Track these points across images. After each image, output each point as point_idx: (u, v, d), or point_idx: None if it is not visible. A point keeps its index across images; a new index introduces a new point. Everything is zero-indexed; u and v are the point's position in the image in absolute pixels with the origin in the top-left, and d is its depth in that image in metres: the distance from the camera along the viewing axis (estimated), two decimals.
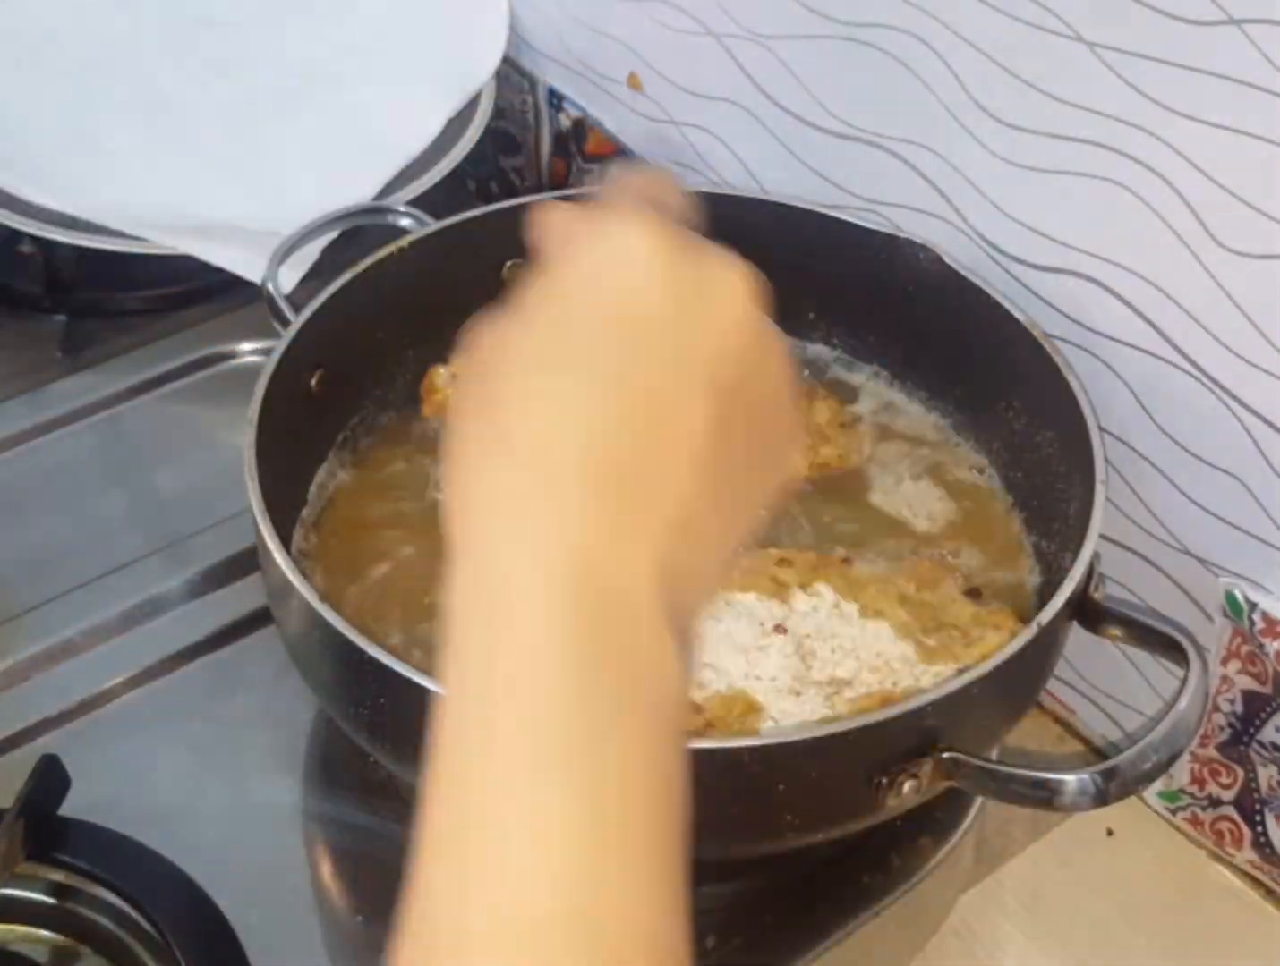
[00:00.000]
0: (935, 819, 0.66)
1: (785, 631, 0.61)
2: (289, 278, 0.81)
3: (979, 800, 0.67)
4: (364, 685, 0.58)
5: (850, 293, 0.77)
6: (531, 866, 0.34)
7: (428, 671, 0.56)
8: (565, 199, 0.48)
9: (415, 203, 0.83)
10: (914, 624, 0.62)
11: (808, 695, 0.59)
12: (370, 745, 0.61)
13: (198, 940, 0.61)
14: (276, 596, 0.63)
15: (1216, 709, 0.67)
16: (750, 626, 0.61)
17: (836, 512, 0.71)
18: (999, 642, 0.60)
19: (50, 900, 0.64)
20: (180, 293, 0.91)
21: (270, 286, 0.72)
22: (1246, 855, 0.69)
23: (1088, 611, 0.61)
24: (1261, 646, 0.64)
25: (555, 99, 0.97)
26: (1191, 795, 0.70)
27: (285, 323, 0.70)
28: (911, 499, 0.72)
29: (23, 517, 0.80)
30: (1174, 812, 0.71)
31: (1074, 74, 0.65)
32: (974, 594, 0.66)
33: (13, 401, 0.86)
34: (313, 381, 0.70)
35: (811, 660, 0.60)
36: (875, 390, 0.78)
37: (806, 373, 0.79)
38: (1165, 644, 0.61)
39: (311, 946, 0.66)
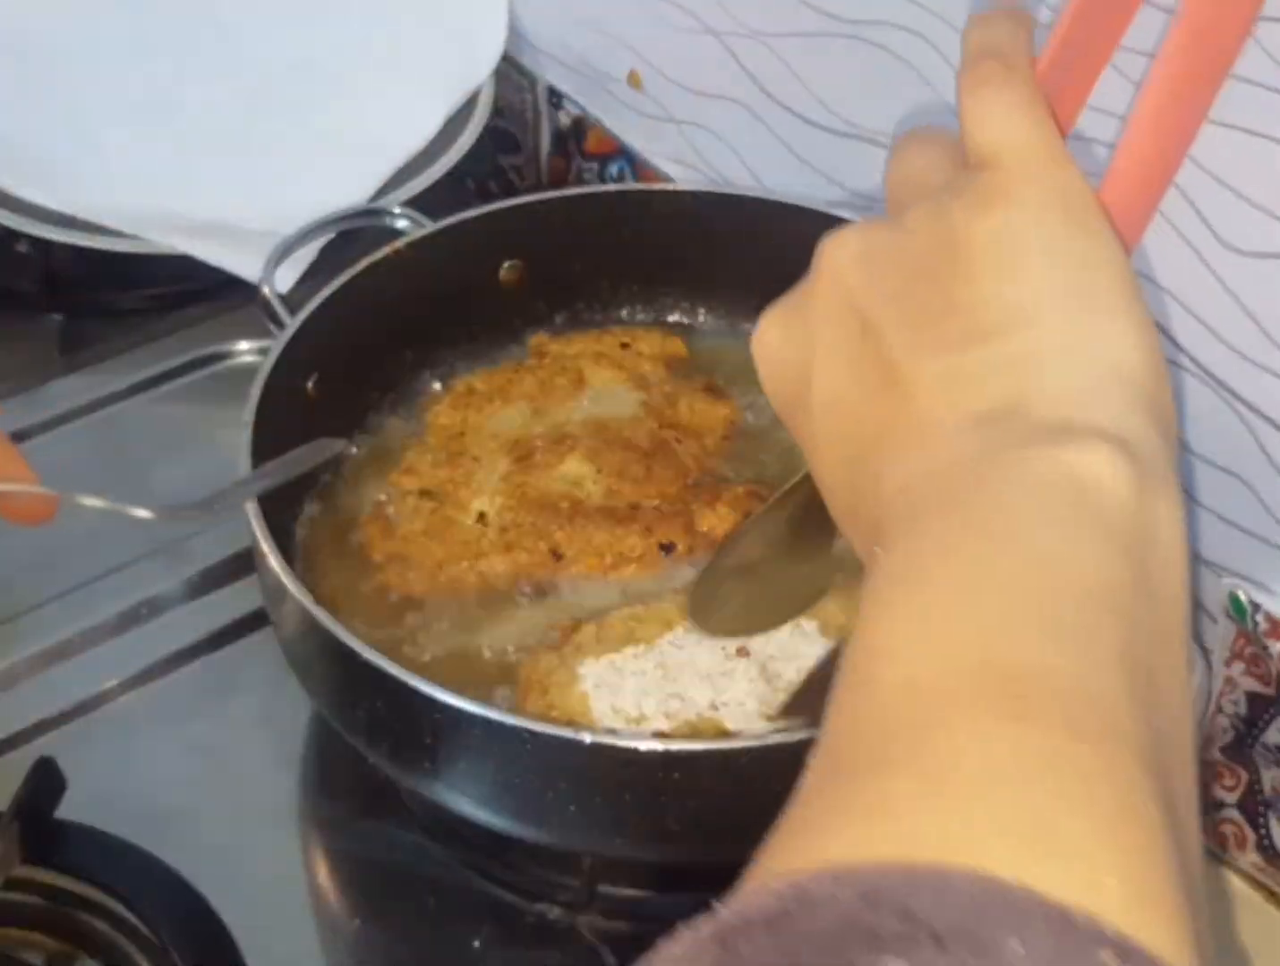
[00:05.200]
0: None
1: (748, 654, 0.61)
2: (285, 278, 0.80)
3: None
4: (360, 688, 0.58)
5: None
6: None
7: (423, 674, 0.56)
8: None
9: (414, 201, 0.83)
10: None
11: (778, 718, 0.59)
12: (367, 748, 0.61)
13: (194, 943, 0.61)
14: (272, 600, 0.63)
15: (1220, 711, 0.67)
16: (712, 651, 0.61)
17: None
18: None
19: (46, 904, 0.64)
20: (178, 292, 0.91)
21: (266, 289, 0.72)
22: (1250, 858, 0.68)
23: None
24: (1265, 648, 0.64)
25: (555, 97, 0.97)
26: None
27: (281, 325, 0.70)
28: None
29: None
30: None
31: None
32: None
33: (10, 401, 0.85)
34: (309, 384, 0.70)
35: (777, 682, 0.60)
36: None
37: None
38: None
39: (308, 949, 0.65)
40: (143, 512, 0.55)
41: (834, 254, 0.43)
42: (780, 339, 0.44)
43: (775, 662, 0.60)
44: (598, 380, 0.74)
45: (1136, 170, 0.41)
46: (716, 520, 0.67)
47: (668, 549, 0.66)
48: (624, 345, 0.76)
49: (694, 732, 0.58)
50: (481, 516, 0.68)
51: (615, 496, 0.68)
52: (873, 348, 0.40)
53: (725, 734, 0.58)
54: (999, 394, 0.38)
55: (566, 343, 0.76)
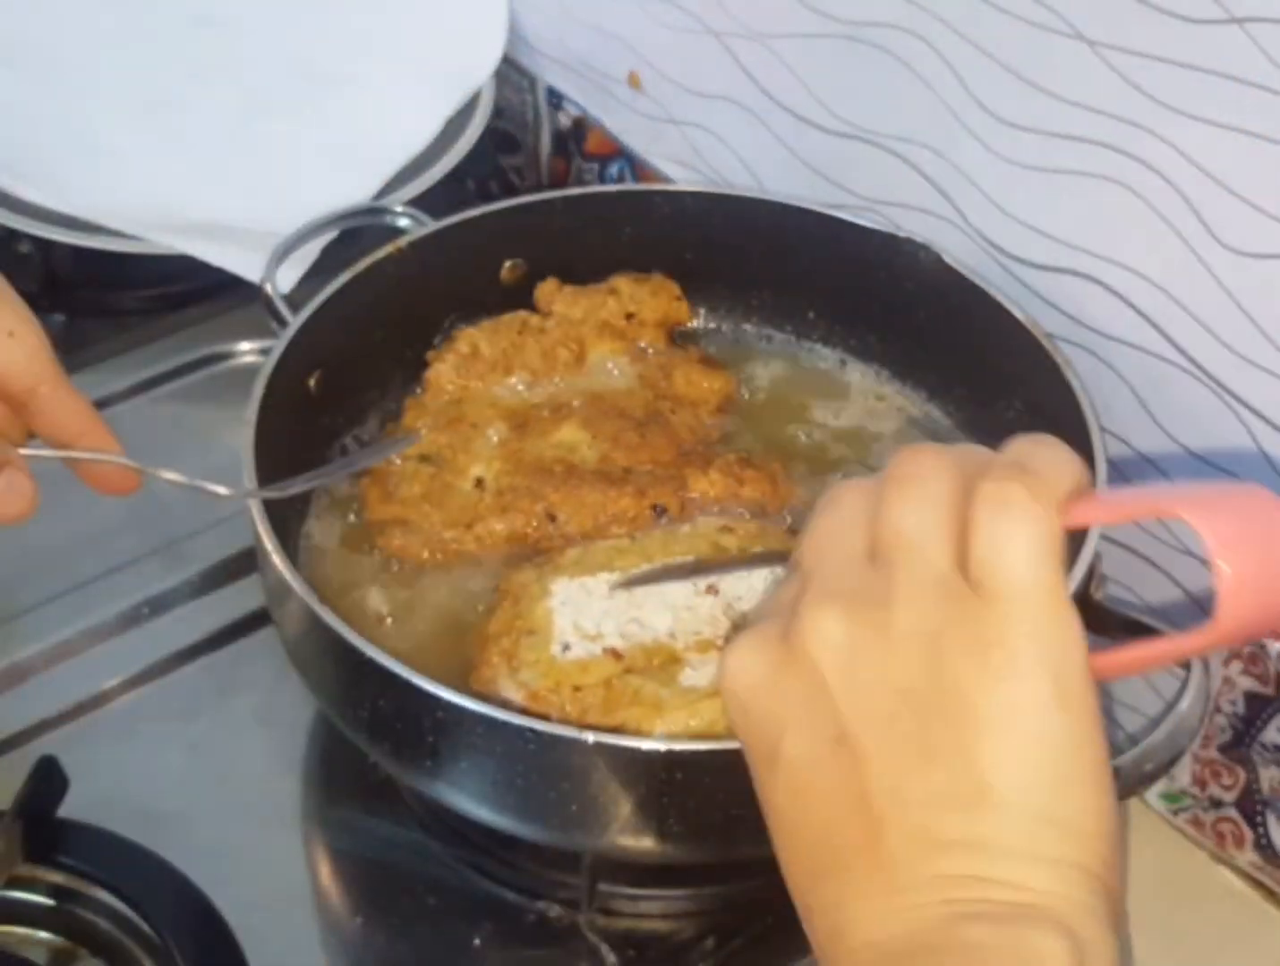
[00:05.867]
0: None
1: (717, 592, 0.62)
2: (287, 278, 0.80)
3: None
4: (363, 686, 0.58)
5: (850, 292, 0.77)
6: None
7: (426, 673, 0.56)
8: None
9: (415, 202, 0.83)
10: None
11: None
12: (369, 746, 0.61)
13: (196, 942, 0.61)
14: (275, 598, 0.63)
15: (1218, 710, 0.67)
16: (684, 586, 0.62)
17: None
18: None
19: (49, 902, 0.64)
20: (178, 292, 0.91)
21: (268, 287, 0.72)
22: (1248, 856, 0.68)
23: (1089, 612, 0.61)
24: (1263, 647, 0.64)
25: (555, 98, 0.97)
26: (1193, 796, 0.70)
27: (283, 323, 0.70)
28: None
29: None
30: (1175, 814, 0.71)
31: (1075, 73, 0.64)
32: None
33: None
34: (311, 382, 0.70)
35: (740, 622, 0.61)
36: (875, 389, 0.78)
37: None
38: None
39: (310, 948, 0.65)
40: (221, 490, 0.57)
41: (815, 638, 0.42)
42: (752, 682, 0.44)
43: (742, 603, 0.61)
44: (598, 352, 0.75)
45: None
46: (708, 485, 0.69)
47: (660, 511, 0.68)
48: (629, 315, 0.76)
49: (645, 654, 0.59)
50: (479, 482, 0.69)
51: (609, 462, 0.69)
52: (849, 761, 0.41)
53: (675, 658, 0.59)
54: (966, 865, 0.40)
55: (573, 301, 0.76)
